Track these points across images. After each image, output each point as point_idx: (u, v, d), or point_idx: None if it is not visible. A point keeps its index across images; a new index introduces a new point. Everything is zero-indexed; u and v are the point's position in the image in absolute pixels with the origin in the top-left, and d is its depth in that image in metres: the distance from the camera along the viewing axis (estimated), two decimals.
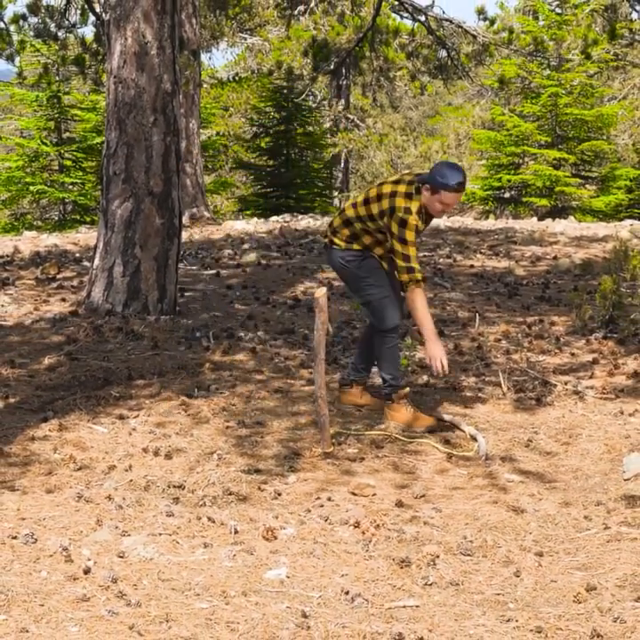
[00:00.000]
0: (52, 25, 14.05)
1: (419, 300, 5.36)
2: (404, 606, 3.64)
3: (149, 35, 8.04)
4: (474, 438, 5.38)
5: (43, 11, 14.02)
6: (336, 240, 5.64)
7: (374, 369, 5.99)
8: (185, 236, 11.76)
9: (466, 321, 7.97)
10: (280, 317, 8.17)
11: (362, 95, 28.92)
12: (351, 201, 5.71)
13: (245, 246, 11.84)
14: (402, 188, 5.39)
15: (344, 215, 5.62)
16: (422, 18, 14.21)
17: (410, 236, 5.31)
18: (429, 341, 5.41)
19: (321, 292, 5.14)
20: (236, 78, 25.25)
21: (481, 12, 22.11)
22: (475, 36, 15.78)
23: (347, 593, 3.71)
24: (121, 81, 8.11)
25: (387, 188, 5.45)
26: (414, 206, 5.33)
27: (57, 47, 14.87)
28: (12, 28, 14.12)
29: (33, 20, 14.25)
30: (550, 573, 3.92)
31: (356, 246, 5.60)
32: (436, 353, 5.39)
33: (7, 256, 11.31)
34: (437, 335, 5.50)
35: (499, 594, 3.76)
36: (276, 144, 20.98)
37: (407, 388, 5.74)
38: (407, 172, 5.66)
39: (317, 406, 5.28)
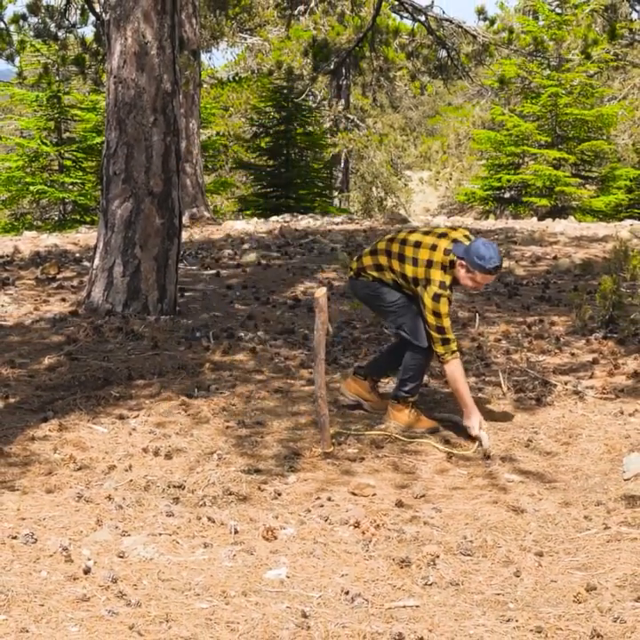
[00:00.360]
0: (52, 25, 14.05)
1: (457, 372, 5.38)
2: (404, 606, 3.64)
3: (149, 35, 8.04)
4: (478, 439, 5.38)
5: (43, 11, 14.02)
6: (363, 274, 5.64)
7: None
8: (185, 235, 11.76)
9: (466, 321, 7.97)
10: (280, 317, 8.17)
11: (362, 95, 28.93)
12: (384, 244, 5.61)
13: (245, 246, 11.84)
14: (438, 258, 5.33)
15: (376, 259, 5.58)
16: (422, 18, 14.22)
17: (444, 308, 5.31)
18: (470, 413, 5.39)
19: (321, 292, 5.14)
20: (236, 78, 25.25)
21: (481, 12, 22.11)
22: (475, 36, 15.78)
23: (347, 593, 3.71)
24: (121, 81, 8.11)
25: (424, 253, 5.39)
26: (448, 280, 5.33)
27: (57, 47, 14.87)
28: (12, 27, 14.12)
29: (33, 19, 14.26)
30: (550, 573, 3.92)
31: (374, 274, 5.62)
32: (475, 423, 5.37)
33: (7, 256, 11.32)
34: (475, 405, 5.43)
35: (499, 594, 3.76)
36: (276, 144, 20.98)
37: (415, 396, 5.72)
38: (442, 230, 5.55)
39: (317, 406, 5.28)
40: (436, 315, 5.32)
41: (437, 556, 4.01)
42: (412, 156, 28.71)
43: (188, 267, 10.46)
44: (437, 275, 5.32)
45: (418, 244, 5.44)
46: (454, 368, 5.37)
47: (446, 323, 5.33)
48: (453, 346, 5.36)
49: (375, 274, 5.58)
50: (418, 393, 5.74)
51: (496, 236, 12.59)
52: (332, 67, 21.14)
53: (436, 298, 5.29)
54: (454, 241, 5.37)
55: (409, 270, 5.43)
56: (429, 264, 5.35)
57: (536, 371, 6.55)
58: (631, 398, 5.98)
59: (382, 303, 5.64)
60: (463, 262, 5.26)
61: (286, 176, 20.56)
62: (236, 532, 4.24)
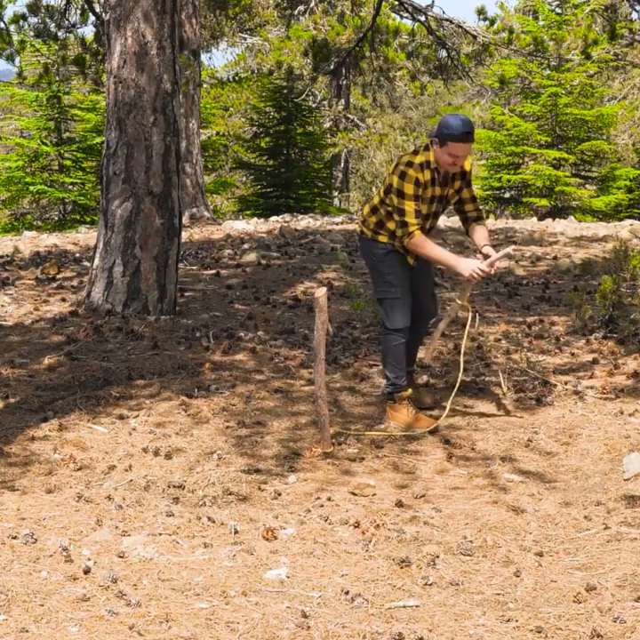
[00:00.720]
0: (52, 25, 14.06)
1: (420, 246, 5.36)
2: (404, 606, 3.64)
3: (149, 35, 8.04)
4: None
5: (43, 11, 14.02)
6: (365, 229, 5.66)
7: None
8: (185, 235, 11.77)
9: (465, 321, 7.96)
10: (280, 317, 8.17)
11: (362, 95, 28.94)
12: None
13: (245, 246, 11.85)
14: (410, 151, 5.53)
15: (371, 202, 5.64)
16: (422, 18, 14.22)
17: (408, 188, 5.27)
18: (455, 266, 5.41)
19: (321, 292, 5.14)
20: (236, 78, 25.25)
21: (481, 11, 22.11)
22: (475, 36, 15.78)
23: (347, 593, 3.71)
24: (121, 81, 8.11)
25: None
26: (417, 159, 5.33)
27: (57, 47, 14.87)
28: (12, 27, 14.13)
29: (33, 19, 14.26)
30: (550, 573, 3.92)
31: (381, 238, 5.57)
32: (465, 267, 5.37)
33: (7, 256, 11.32)
34: (456, 256, 5.53)
35: (499, 594, 3.76)
36: (276, 144, 20.98)
37: (410, 390, 5.76)
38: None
39: (317, 406, 5.29)
40: (399, 194, 5.30)
41: (437, 556, 4.02)
42: None
43: (188, 267, 10.46)
44: (405, 157, 5.40)
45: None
46: (417, 241, 5.35)
47: (408, 206, 5.28)
48: (411, 228, 5.31)
49: (376, 231, 5.56)
50: (405, 384, 5.71)
51: (496, 236, 12.59)
52: (332, 67, 21.15)
53: (402, 175, 5.29)
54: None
55: (388, 179, 5.47)
56: (402, 155, 5.51)
57: (536, 371, 6.55)
58: (631, 398, 5.98)
59: (376, 270, 5.64)
60: (436, 139, 5.27)
61: (286, 176, 20.57)
62: (236, 531, 4.24)
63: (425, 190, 5.37)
